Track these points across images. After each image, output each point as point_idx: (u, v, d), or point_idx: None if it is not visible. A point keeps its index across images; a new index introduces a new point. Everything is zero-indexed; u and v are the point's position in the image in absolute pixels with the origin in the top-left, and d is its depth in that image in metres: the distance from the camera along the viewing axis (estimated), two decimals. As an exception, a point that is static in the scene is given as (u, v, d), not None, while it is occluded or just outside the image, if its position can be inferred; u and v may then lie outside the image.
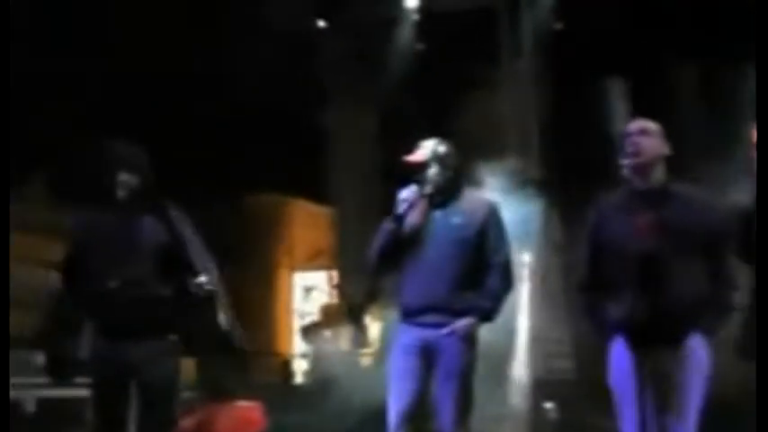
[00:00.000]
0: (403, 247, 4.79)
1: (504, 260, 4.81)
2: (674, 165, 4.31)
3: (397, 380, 4.72)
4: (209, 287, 4.60)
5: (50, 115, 12.13)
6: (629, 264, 4.12)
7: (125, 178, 4.62)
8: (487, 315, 4.77)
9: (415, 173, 4.85)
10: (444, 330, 4.68)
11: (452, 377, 4.67)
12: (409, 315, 4.78)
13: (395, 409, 4.67)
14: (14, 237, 13.10)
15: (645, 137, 4.24)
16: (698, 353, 4.12)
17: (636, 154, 4.21)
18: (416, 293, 4.75)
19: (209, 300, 4.65)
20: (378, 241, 4.83)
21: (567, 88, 12.21)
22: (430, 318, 4.71)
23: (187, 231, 4.78)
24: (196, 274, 4.63)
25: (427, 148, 4.89)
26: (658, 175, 4.25)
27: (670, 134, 4.33)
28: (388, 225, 4.80)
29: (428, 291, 4.71)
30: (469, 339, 4.73)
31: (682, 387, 4.07)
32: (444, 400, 4.67)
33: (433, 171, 4.83)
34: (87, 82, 12.46)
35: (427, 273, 4.72)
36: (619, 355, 4.23)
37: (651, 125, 4.32)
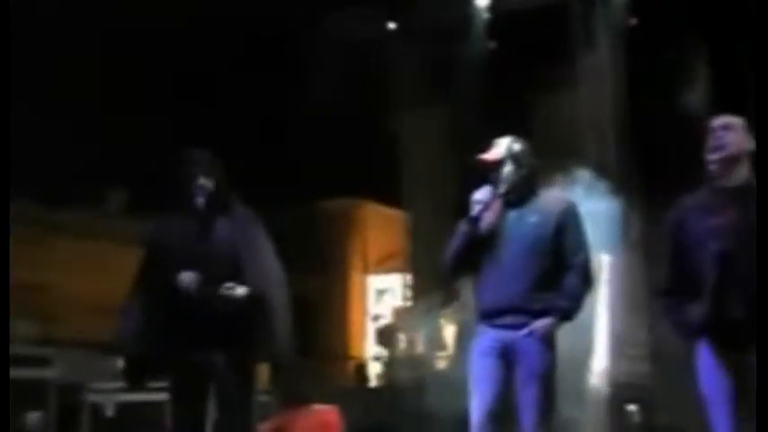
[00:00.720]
0: (479, 248, 4.74)
1: (583, 260, 4.73)
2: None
3: (478, 382, 4.68)
4: (238, 293, 4.59)
5: (128, 126, 12.34)
6: (713, 264, 4.02)
7: (202, 183, 4.68)
8: (567, 315, 4.70)
9: (489, 172, 4.79)
10: (523, 331, 4.63)
11: (533, 379, 4.61)
12: (487, 317, 4.73)
13: (477, 412, 4.63)
14: (91, 246, 13.44)
15: (729, 131, 4.15)
16: None
17: (719, 148, 4.13)
18: (494, 295, 4.70)
19: (257, 307, 4.65)
20: (453, 244, 4.78)
21: (643, 84, 12.03)
22: (508, 319, 4.65)
23: (259, 235, 4.79)
24: (249, 279, 4.64)
25: (502, 146, 4.83)
26: (743, 171, 4.15)
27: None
28: (463, 227, 4.75)
29: (505, 292, 4.66)
30: (549, 340, 4.66)
31: None
32: (526, 402, 4.61)
33: (507, 170, 4.77)
34: (164, 91, 12.65)
35: (504, 274, 4.67)
36: (707, 359, 4.15)
37: (735, 120, 4.22)
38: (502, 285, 4.65)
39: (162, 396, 5.06)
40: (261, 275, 4.71)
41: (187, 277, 4.53)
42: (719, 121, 4.21)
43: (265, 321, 4.68)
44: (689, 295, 4.16)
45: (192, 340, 4.55)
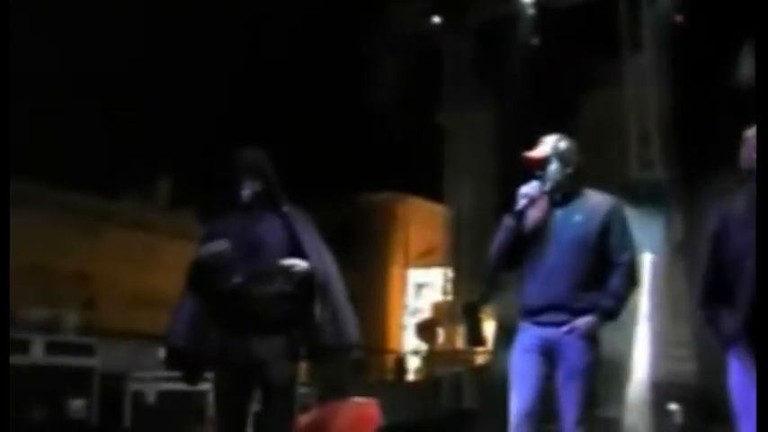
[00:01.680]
0: (523, 244, 4.73)
1: (628, 259, 4.69)
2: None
3: (519, 379, 4.64)
4: (299, 268, 4.59)
5: (178, 122, 12.47)
6: (752, 276, 4.01)
7: (250, 183, 4.70)
8: (610, 314, 4.65)
9: (534, 169, 4.78)
10: (564, 329, 4.62)
11: (574, 376, 4.56)
12: (530, 314, 4.68)
13: (516, 409, 4.59)
14: (139, 237, 13.58)
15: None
16: None
17: (754, 159, 4.11)
18: (537, 292, 4.64)
19: (308, 296, 4.65)
20: (497, 238, 4.74)
21: (689, 83, 11.92)
22: (550, 316, 4.59)
23: (307, 230, 4.81)
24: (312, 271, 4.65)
25: (548, 144, 4.80)
26: None
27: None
28: (507, 221, 4.73)
29: (548, 289, 4.60)
30: (591, 338, 4.63)
31: None
32: (567, 399, 4.57)
33: (553, 167, 4.73)
34: (214, 88, 12.77)
35: (548, 271, 4.61)
36: (738, 367, 4.14)
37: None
38: (546, 283, 4.61)
39: (204, 386, 5.08)
40: (322, 267, 4.72)
41: (216, 245, 4.56)
42: (753, 131, 4.17)
43: (331, 313, 4.68)
44: (727, 305, 4.16)
45: (238, 329, 4.57)
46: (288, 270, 4.60)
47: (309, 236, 4.79)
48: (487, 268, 4.88)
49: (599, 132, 12.24)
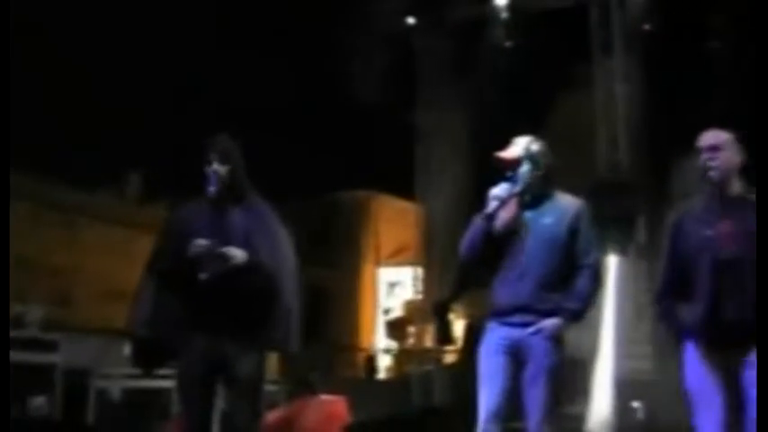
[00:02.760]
0: (494, 246, 4.75)
1: (593, 262, 4.73)
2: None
3: (487, 378, 4.66)
4: (236, 256, 4.55)
5: (151, 116, 12.41)
6: (709, 271, 4.19)
7: (216, 170, 4.65)
8: (575, 315, 4.66)
9: (506, 170, 4.79)
10: (531, 330, 4.63)
11: (540, 376, 4.58)
12: (498, 314, 4.70)
13: (485, 407, 4.60)
14: (112, 231, 13.46)
15: (717, 151, 4.29)
16: None
17: (711, 169, 4.28)
18: (506, 293, 4.66)
19: (263, 294, 4.64)
20: (467, 238, 4.75)
21: (658, 88, 12.00)
22: (518, 317, 4.62)
23: (274, 224, 4.78)
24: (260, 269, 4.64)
25: (520, 146, 4.80)
26: (735, 185, 4.31)
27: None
28: (478, 222, 4.75)
29: (517, 290, 4.62)
30: (557, 339, 4.67)
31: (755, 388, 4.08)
32: (532, 399, 4.59)
33: (524, 169, 4.73)
34: (188, 83, 12.72)
35: (517, 272, 4.63)
36: (694, 360, 4.29)
37: (722, 137, 4.34)
38: (515, 284, 4.63)
39: (168, 383, 5.05)
40: (274, 263, 4.70)
41: (198, 244, 4.52)
42: (706, 141, 4.34)
43: (276, 309, 4.67)
44: (683, 300, 4.32)
45: (203, 325, 4.53)
46: (222, 256, 4.57)
47: (265, 231, 4.75)
48: (458, 268, 4.91)
49: (569, 134, 12.27)
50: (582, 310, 4.68)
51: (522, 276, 4.62)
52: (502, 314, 4.68)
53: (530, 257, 4.64)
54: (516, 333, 4.63)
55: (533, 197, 4.75)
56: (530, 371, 4.60)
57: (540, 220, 4.70)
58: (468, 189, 13.13)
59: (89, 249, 12.79)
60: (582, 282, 4.67)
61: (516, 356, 4.63)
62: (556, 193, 4.82)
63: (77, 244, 12.76)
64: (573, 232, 4.69)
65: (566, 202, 4.79)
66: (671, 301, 4.39)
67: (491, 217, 4.67)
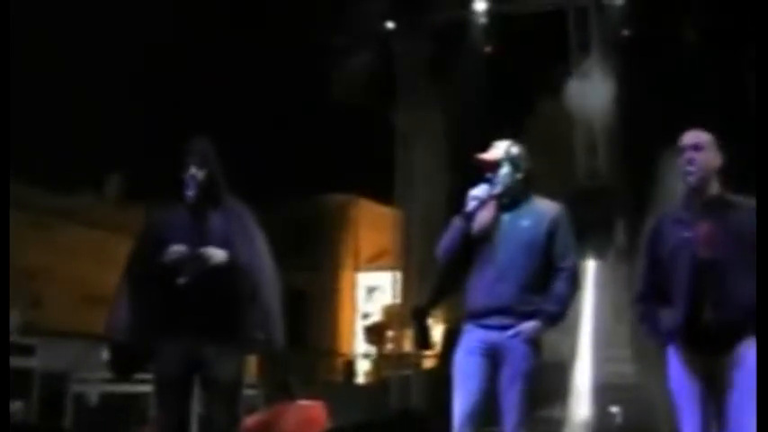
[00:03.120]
0: (472, 247, 4.74)
1: (571, 265, 4.74)
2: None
3: (463, 380, 4.64)
4: (216, 257, 4.53)
5: (126, 117, 12.35)
6: (688, 272, 4.17)
7: (194, 173, 4.62)
8: (553, 319, 4.67)
9: (486, 172, 4.79)
10: (509, 333, 4.62)
11: (517, 380, 4.57)
12: (475, 317, 4.69)
13: (460, 410, 4.59)
14: (89, 234, 13.34)
15: (698, 152, 4.29)
16: (753, 357, 4.08)
17: (699, 168, 4.28)
18: (483, 295, 4.66)
19: (242, 295, 4.62)
20: (446, 239, 4.76)
21: (635, 93, 12.06)
22: (496, 320, 4.61)
23: (253, 228, 4.75)
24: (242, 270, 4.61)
25: (500, 149, 4.83)
26: (714, 186, 4.31)
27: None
28: (457, 223, 4.75)
29: (494, 293, 4.62)
30: (534, 343, 4.67)
31: (739, 390, 4.09)
32: (508, 402, 4.58)
33: (504, 171, 4.75)
34: (160, 82, 12.65)
35: (494, 275, 4.63)
36: (677, 362, 4.28)
37: (703, 138, 4.35)
38: (492, 286, 4.63)
39: (146, 387, 5.01)
40: (254, 266, 4.68)
41: (175, 251, 4.49)
42: (689, 140, 4.34)
43: (258, 312, 4.64)
44: (662, 302, 4.31)
45: (180, 328, 4.50)
46: (200, 257, 4.54)
47: (244, 233, 4.73)
48: (437, 272, 4.89)
49: (549, 139, 12.32)
50: (560, 313, 4.69)
51: (501, 278, 4.62)
52: (479, 316, 4.68)
53: (508, 260, 4.65)
54: (494, 336, 4.62)
55: (512, 200, 4.78)
56: (507, 374, 4.60)
57: (517, 222, 4.72)
58: (447, 194, 13.13)
59: (64, 252, 12.69)
60: (559, 285, 4.68)
61: (493, 359, 4.63)
62: (533, 196, 4.84)
63: (52, 247, 12.66)
64: (550, 236, 4.71)
65: (544, 206, 4.82)
66: (650, 304, 4.38)
67: (470, 217, 4.68)
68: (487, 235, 4.71)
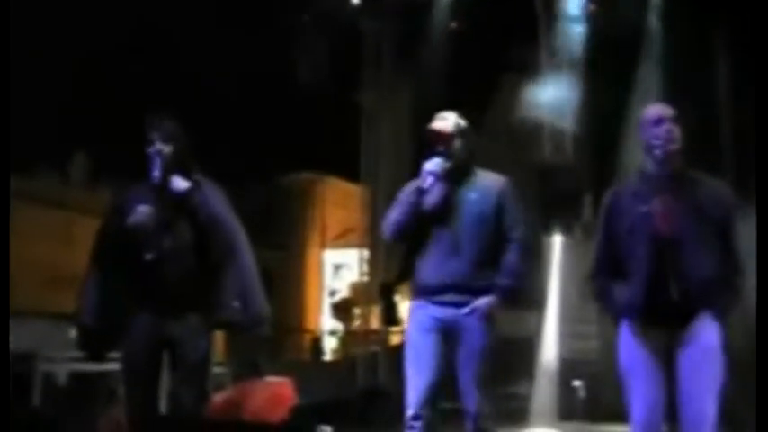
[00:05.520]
0: (421, 222, 4.67)
1: (521, 236, 4.67)
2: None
3: (417, 358, 4.61)
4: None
5: (89, 95, 12.22)
6: (645, 247, 4.15)
7: (159, 148, 4.59)
8: (508, 292, 4.63)
9: (440, 144, 4.72)
10: (465, 310, 4.57)
11: (474, 358, 4.56)
12: (428, 292, 4.64)
13: (415, 388, 4.56)
14: (54, 215, 13.21)
15: (663, 124, 4.25)
16: (709, 334, 4.16)
17: (671, 141, 4.23)
18: (435, 270, 4.61)
19: (217, 269, 4.58)
20: (399, 214, 4.69)
21: (599, 70, 12.13)
22: (449, 296, 4.58)
23: (224, 201, 4.74)
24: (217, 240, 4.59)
25: (450, 120, 4.79)
26: (677, 161, 4.28)
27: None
28: (409, 197, 4.67)
29: (447, 268, 4.58)
30: (489, 319, 4.60)
31: (693, 367, 4.12)
32: (467, 381, 4.56)
33: (458, 144, 4.72)
34: (122, 61, 12.53)
35: (446, 250, 4.59)
36: (629, 338, 4.28)
37: (669, 111, 4.32)
38: (444, 261, 4.59)
39: (115, 365, 4.99)
40: (228, 224, 4.65)
41: (140, 211, 4.47)
42: (652, 114, 4.30)
43: (234, 278, 4.59)
44: (618, 277, 4.28)
45: (149, 306, 4.50)
46: (168, 187, 4.51)
47: (220, 204, 4.71)
48: (404, 250, 4.83)
49: (513, 116, 12.39)
50: (513, 286, 4.65)
51: (453, 254, 4.60)
52: (432, 292, 4.63)
53: (461, 234, 4.62)
54: (448, 313, 4.60)
55: (461, 173, 4.75)
56: (463, 352, 4.59)
57: (466, 196, 4.70)
58: (412, 171, 13.13)
59: (31, 234, 12.60)
60: (510, 257, 4.65)
61: (446, 336, 4.60)
62: (478, 170, 4.82)
63: (18, 229, 12.55)
64: (500, 208, 4.68)
65: (490, 179, 4.79)
66: (605, 280, 4.36)
67: (424, 192, 4.64)
68: (437, 209, 4.67)
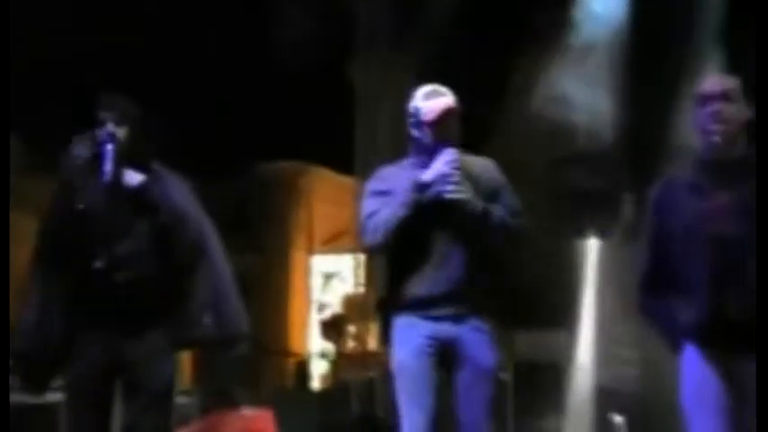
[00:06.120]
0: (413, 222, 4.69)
1: (514, 207, 4.80)
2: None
3: (413, 386, 4.63)
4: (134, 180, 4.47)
5: (37, 78, 12.25)
6: (704, 252, 4.07)
7: (111, 130, 4.53)
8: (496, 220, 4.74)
9: (449, 129, 4.77)
10: (467, 324, 4.64)
11: (480, 379, 4.64)
12: (419, 306, 4.67)
13: (417, 427, 4.58)
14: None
15: (729, 102, 4.17)
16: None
17: (722, 122, 4.15)
18: (429, 279, 4.66)
19: (184, 276, 4.56)
20: (392, 214, 4.66)
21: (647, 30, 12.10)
22: (446, 309, 4.64)
23: (184, 201, 4.71)
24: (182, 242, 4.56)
25: (449, 96, 4.86)
26: (740, 146, 4.21)
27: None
28: (409, 196, 4.65)
29: (444, 275, 4.64)
30: (489, 332, 4.70)
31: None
32: (471, 407, 4.62)
33: (454, 126, 4.82)
34: (86, 37, 12.57)
35: (440, 255, 4.66)
36: (693, 366, 4.19)
37: (731, 84, 4.25)
38: (440, 267, 4.63)
39: (57, 397, 4.97)
40: (197, 237, 4.63)
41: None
42: (712, 88, 4.22)
43: (204, 288, 4.57)
44: (675, 292, 4.21)
45: (98, 324, 4.47)
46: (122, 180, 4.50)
47: (184, 199, 4.69)
48: (373, 249, 4.82)
49: (538, 97, 12.36)
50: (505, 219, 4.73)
51: (448, 259, 4.65)
52: (425, 306, 4.67)
53: (452, 233, 4.68)
54: (445, 328, 4.64)
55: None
56: (466, 373, 4.65)
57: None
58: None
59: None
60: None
61: (444, 357, 4.65)
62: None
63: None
64: (494, 195, 4.75)
65: (481, 165, 4.87)
66: (656, 292, 4.30)
67: (426, 187, 4.64)
68: (435, 207, 4.69)
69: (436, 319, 4.64)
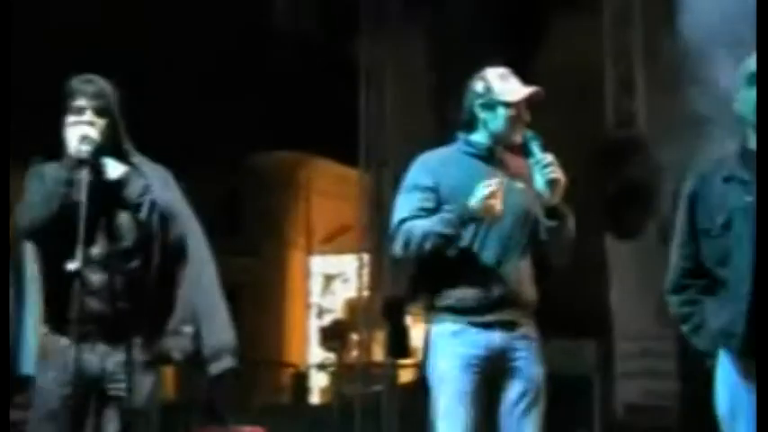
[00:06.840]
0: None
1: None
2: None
3: (459, 404, 4.59)
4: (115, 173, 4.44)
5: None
6: (746, 249, 4.03)
7: (92, 121, 4.51)
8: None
9: (521, 124, 4.77)
10: (519, 331, 4.65)
11: (533, 395, 4.64)
12: (467, 312, 4.64)
13: None
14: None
15: None
16: None
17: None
18: (481, 282, 4.64)
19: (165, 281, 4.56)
20: (436, 233, 4.61)
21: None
22: (498, 315, 4.63)
23: (168, 196, 4.70)
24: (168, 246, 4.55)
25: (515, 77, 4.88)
26: None
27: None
28: (456, 216, 4.62)
29: (495, 278, 4.63)
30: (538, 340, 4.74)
31: None
32: (521, 425, 4.62)
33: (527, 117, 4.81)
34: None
35: (492, 254, 4.65)
36: (729, 377, 4.18)
37: None
38: (491, 270, 4.62)
39: (21, 415, 4.95)
40: (182, 237, 4.62)
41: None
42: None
43: (188, 296, 4.58)
44: (709, 292, 4.21)
45: (72, 333, 4.45)
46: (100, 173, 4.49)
47: (168, 194, 4.68)
48: (408, 257, 4.81)
49: (565, 75, 12.33)
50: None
51: (501, 258, 4.65)
52: (474, 312, 4.65)
53: (508, 232, 4.68)
54: (496, 338, 4.63)
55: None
56: (517, 389, 4.65)
57: (511, 184, 4.74)
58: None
59: None
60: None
61: (491, 372, 4.63)
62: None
63: None
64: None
65: (522, 162, 4.86)
66: (692, 293, 4.28)
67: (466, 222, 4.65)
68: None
69: (486, 326, 4.64)
